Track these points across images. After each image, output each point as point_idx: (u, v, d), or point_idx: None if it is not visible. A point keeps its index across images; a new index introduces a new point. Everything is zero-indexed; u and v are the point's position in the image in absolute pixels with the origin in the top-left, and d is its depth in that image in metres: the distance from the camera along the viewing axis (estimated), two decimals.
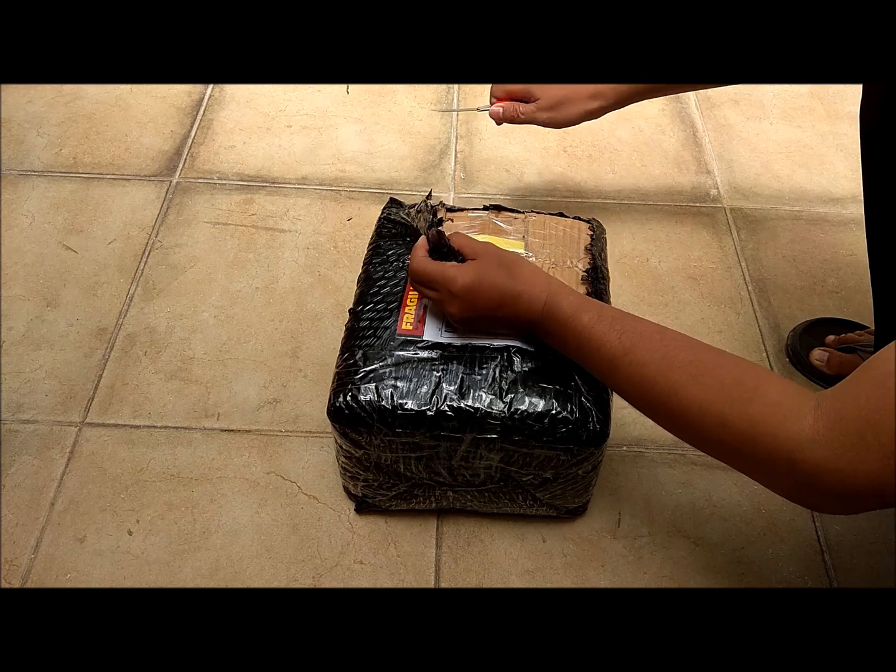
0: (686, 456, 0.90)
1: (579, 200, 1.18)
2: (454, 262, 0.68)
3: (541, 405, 0.68)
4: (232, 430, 0.91)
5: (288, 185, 1.18)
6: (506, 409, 0.68)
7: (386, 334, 0.73)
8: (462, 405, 0.68)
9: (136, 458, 0.88)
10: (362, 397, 0.69)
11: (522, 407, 0.68)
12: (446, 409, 0.68)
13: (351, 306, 0.78)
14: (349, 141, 1.25)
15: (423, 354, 0.71)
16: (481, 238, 0.76)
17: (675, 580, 0.81)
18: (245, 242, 1.10)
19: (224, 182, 1.18)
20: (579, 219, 0.85)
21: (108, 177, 1.18)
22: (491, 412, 0.68)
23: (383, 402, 0.69)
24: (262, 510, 0.84)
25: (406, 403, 0.69)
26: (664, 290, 1.07)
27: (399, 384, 0.69)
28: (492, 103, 0.93)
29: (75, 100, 1.29)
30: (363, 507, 0.83)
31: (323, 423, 0.91)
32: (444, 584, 0.80)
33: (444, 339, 0.72)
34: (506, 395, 0.69)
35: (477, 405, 0.68)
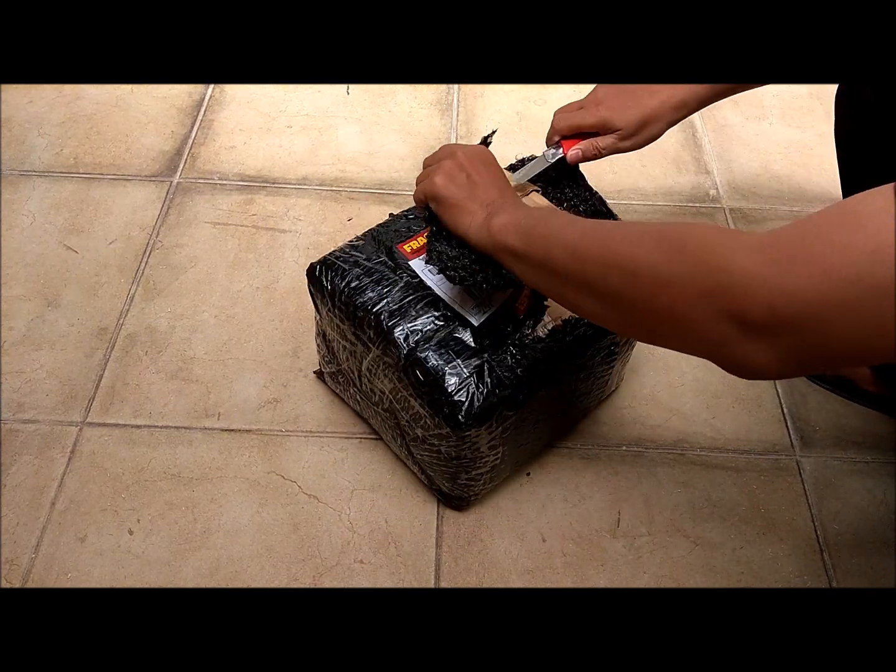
0: (686, 455, 0.90)
1: None
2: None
3: (434, 366, 0.71)
4: (232, 430, 0.91)
5: (288, 186, 1.18)
6: (407, 353, 0.72)
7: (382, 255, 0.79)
8: (384, 324, 0.73)
9: (136, 457, 0.88)
10: (332, 272, 0.77)
11: (421, 356, 0.71)
12: (372, 318, 0.74)
13: None
14: (349, 141, 1.25)
15: (399, 271, 0.76)
16: None
17: (674, 580, 0.81)
18: (245, 242, 1.10)
19: (224, 182, 1.18)
20: None
21: (109, 177, 1.18)
22: (398, 344, 0.72)
23: (340, 283, 0.76)
24: (262, 510, 0.85)
25: (353, 296, 0.75)
26: None
27: (364, 280, 0.76)
28: (557, 143, 0.80)
29: (76, 100, 1.29)
30: (320, 376, 0.93)
31: (323, 423, 0.91)
32: (444, 584, 0.80)
33: (423, 276, 0.76)
34: (420, 343, 0.72)
35: (396, 332, 0.73)
